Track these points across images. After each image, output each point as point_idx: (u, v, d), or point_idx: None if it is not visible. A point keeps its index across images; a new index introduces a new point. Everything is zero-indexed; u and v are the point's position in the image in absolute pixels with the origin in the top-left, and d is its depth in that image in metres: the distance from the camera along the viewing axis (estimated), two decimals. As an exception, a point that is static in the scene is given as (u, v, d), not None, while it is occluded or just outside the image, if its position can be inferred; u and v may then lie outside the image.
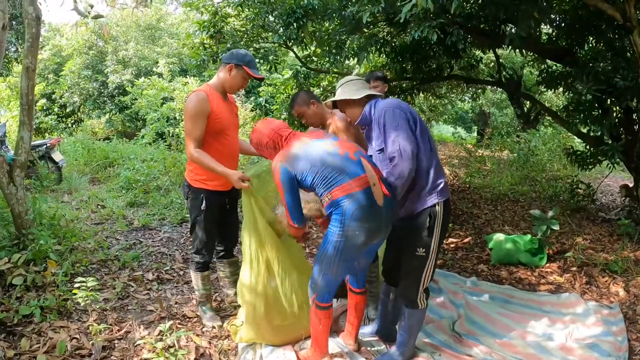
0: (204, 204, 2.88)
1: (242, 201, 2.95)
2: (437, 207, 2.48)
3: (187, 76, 11.07)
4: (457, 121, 19.50)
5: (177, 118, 9.78)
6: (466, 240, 5.24)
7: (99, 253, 4.14)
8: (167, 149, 9.02)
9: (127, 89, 11.76)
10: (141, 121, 12.41)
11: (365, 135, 2.72)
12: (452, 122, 19.20)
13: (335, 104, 2.76)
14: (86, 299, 2.76)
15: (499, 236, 4.79)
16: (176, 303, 3.37)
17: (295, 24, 4.61)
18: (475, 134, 18.21)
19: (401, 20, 3.82)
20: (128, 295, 3.45)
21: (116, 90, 13.31)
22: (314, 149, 2.39)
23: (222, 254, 3.20)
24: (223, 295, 3.40)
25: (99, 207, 5.90)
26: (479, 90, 10.17)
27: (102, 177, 7.64)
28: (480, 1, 4.49)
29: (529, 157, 9.33)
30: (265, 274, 2.80)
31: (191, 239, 3.13)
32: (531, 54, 6.31)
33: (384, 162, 2.51)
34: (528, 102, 11.97)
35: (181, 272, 3.99)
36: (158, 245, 4.64)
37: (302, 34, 4.85)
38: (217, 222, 3.01)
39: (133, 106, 10.57)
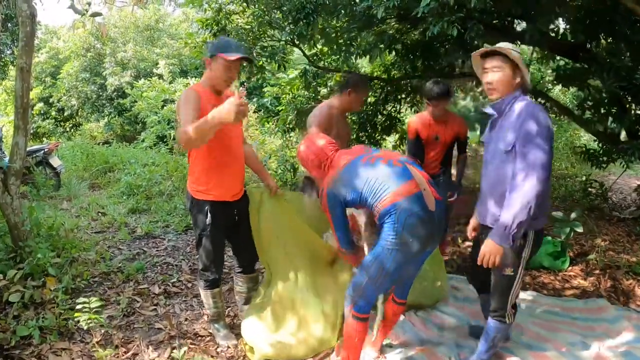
0: (209, 218, 2.63)
1: (261, 215, 2.85)
2: (530, 233, 2.35)
3: (188, 77, 10.86)
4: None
5: (179, 120, 9.58)
6: (483, 244, 5.05)
7: (101, 265, 3.92)
8: (169, 152, 8.80)
9: (126, 91, 11.55)
10: (140, 124, 12.20)
11: (490, 123, 2.49)
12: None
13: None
14: (89, 322, 2.53)
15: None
16: (186, 320, 3.15)
17: (304, 20, 4.39)
18: (478, 133, 17.97)
19: (418, 15, 3.64)
20: (134, 312, 3.23)
21: (115, 93, 13.09)
22: (356, 166, 2.36)
23: (240, 270, 2.96)
24: (237, 310, 3.19)
25: (100, 214, 5.69)
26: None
27: (102, 183, 7.43)
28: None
29: (535, 155, 9.13)
30: (294, 286, 2.72)
31: (197, 255, 2.88)
32: (539, 50, 6.14)
33: (504, 163, 2.31)
34: (534, 100, 11.77)
35: (189, 285, 3.77)
36: (163, 255, 4.42)
37: (312, 31, 4.63)
38: (226, 235, 2.79)
39: (133, 109, 10.36)
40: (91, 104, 13.54)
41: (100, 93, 13.47)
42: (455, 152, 4.23)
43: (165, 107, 9.17)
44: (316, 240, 3.05)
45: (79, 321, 2.58)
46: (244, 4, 4.58)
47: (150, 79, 10.01)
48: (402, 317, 3.18)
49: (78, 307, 2.56)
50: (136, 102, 9.87)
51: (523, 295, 3.73)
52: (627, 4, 3.93)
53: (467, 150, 4.16)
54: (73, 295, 3.26)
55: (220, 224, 2.69)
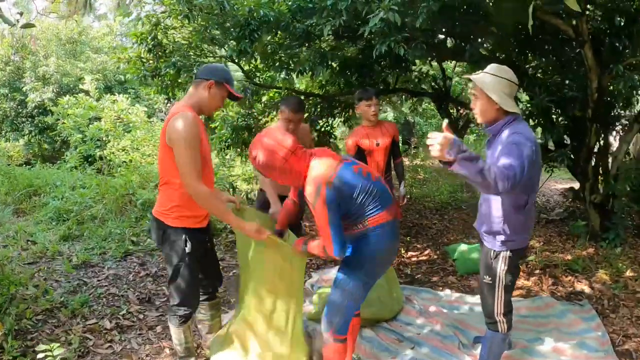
0: (188, 246, 2.45)
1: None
2: (502, 253, 2.45)
3: (114, 93, 10.33)
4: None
5: (104, 139, 9.11)
6: (426, 252, 5.23)
7: (42, 300, 3.60)
8: (97, 173, 8.32)
9: (48, 108, 10.77)
10: (60, 142, 11.42)
11: (487, 143, 2.53)
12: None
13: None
14: None
15: (462, 246, 4.82)
16: (147, 355, 2.97)
17: (249, 37, 4.35)
18: (401, 144, 18.53)
19: (365, 34, 3.73)
20: (88, 351, 2.99)
21: (36, 110, 12.12)
22: (351, 173, 2.23)
23: (205, 297, 2.81)
24: (200, 340, 3.04)
25: (29, 243, 5.25)
26: (416, 101, 10.33)
27: (27, 208, 6.85)
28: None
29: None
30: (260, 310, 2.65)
31: (171, 290, 2.62)
32: (467, 65, 6.49)
33: None
34: (455, 111, 12.39)
35: (140, 316, 3.56)
36: (106, 285, 4.15)
37: (255, 48, 4.59)
38: (201, 264, 2.64)
39: (57, 127, 9.66)
40: (10, 122, 12.47)
41: (20, 110, 12.43)
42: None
43: (91, 126, 8.68)
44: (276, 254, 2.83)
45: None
46: (185, 19, 4.44)
47: (76, 95, 9.41)
48: (370, 333, 3.21)
49: (40, 355, 2.31)
50: (59, 120, 9.24)
51: (472, 299, 3.91)
52: (561, 27, 4.26)
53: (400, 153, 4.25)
54: (18, 338, 2.99)
55: (198, 252, 2.55)
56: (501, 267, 2.45)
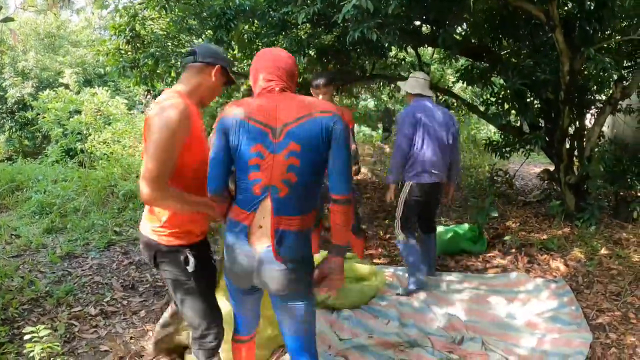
0: (191, 263, 1.96)
1: None
2: (407, 183, 3.64)
3: (94, 86, 10.28)
4: (366, 120, 19.71)
5: (85, 132, 9.09)
6: (403, 234, 5.32)
7: (27, 291, 3.64)
8: (78, 166, 8.30)
9: (28, 103, 10.68)
10: (40, 137, 11.33)
11: None
12: (361, 121, 19.41)
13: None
14: (42, 353, 2.34)
15: (439, 228, 4.93)
16: (131, 338, 3.03)
17: (225, 27, 4.39)
18: (380, 132, 18.57)
19: (339, 21, 3.80)
20: (74, 337, 3.05)
21: (16, 106, 11.97)
22: (250, 143, 1.79)
23: None
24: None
25: (13, 236, 5.26)
26: (394, 88, 10.40)
27: (10, 203, 6.83)
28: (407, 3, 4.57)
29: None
30: None
31: (191, 318, 2.10)
32: (443, 51, 6.58)
33: None
34: (434, 97, 12.47)
35: (124, 302, 3.62)
36: (90, 274, 4.19)
37: (232, 37, 4.64)
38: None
39: (39, 122, 9.60)
40: (-10, 119, 12.37)
41: (0, 106, 12.31)
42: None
43: (71, 119, 8.64)
44: None
45: (19, 353, 2.40)
46: (162, 10, 4.47)
47: (55, 89, 9.35)
48: (348, 312, 3.30)
49: (26, 337, 2.36)
50: (39, 114, 9.18)
51: (448, 277, 4.06)
52: (533, 11, 4.37)
53: (355, 141, 4.00)
54: (5, 326, 3.04)
55: (206, 268, 2.08)
56: (405, 190, 3.65)
